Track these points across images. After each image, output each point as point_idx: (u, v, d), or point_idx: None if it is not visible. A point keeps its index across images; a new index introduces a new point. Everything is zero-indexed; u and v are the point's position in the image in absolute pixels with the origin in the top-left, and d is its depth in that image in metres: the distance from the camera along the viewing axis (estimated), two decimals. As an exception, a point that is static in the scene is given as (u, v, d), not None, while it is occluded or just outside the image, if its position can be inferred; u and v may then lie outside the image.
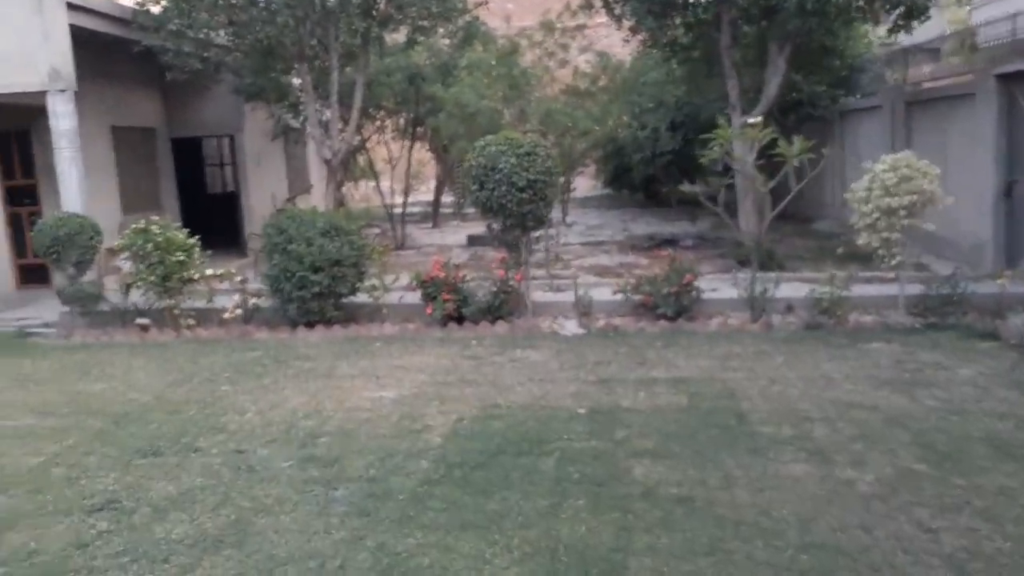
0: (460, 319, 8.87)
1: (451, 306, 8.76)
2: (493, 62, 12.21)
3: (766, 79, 11.86)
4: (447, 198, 24.35)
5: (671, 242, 15.25)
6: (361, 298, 9.33)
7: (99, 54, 12.81)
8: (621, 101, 13.74)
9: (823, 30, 11.82)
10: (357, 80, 12.21)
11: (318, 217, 9.20)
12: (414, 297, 9.32)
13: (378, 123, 17.95)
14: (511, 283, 8.93)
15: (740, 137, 8.33)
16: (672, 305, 8.70)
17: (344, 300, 9.17)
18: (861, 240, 8.86)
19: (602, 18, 12.22)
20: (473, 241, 16.32)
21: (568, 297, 9.70)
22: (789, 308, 9.24)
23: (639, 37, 12.36)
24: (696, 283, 8.85)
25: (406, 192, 16.85)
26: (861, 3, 10.76)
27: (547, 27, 13.44)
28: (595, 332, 8.47)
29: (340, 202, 12.15)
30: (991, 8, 16.34)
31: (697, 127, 19.48)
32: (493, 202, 8.57)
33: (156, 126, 15.26)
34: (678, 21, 12.04)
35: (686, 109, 18.42)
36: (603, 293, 9.40)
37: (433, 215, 20.75)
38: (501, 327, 8.68)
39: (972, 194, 10.60)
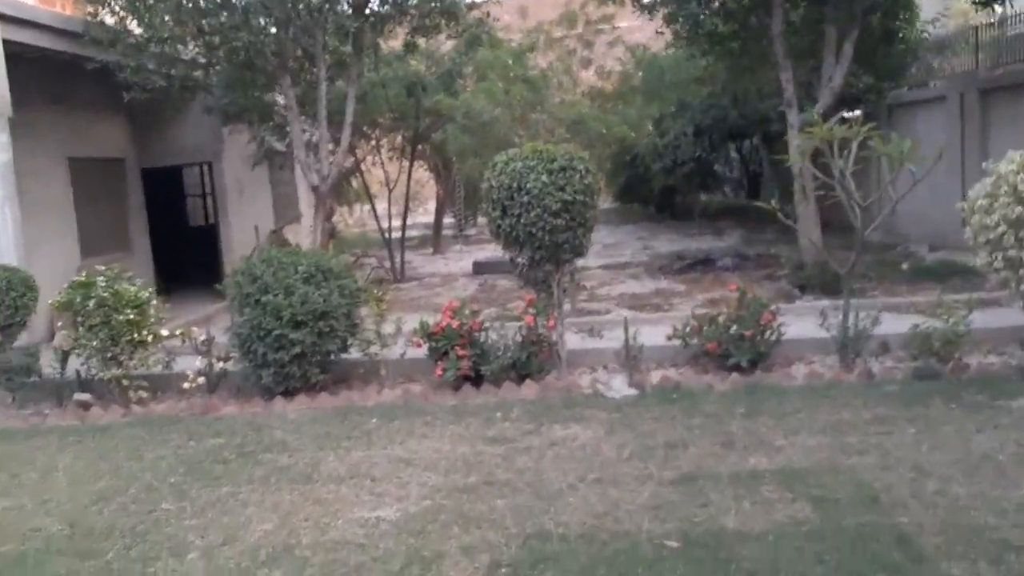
0: (478, 379, 7.08)
1: (466, 364, 6.97)
2: (509, 61, 10.43)
3: (823, 70, 10.11)
4: (448, 219, 22.71)
5: (706, 262, 13.47)
6: (354, 354, 7.57)
7: (53, 76, 11.15)
8: (658, 102, 11.84)
9: (889, 11, 10.12)
10: (348, 93, 10.47)
11: (301, 258, 7.42)
12: (419, 349, 7.54)
13: (373, 142, 16.26)
14: (541, 331, 7.14)
15: (823, 136, 6.53)
16: (747, 352, 6.89)
17: (333, 359, 7.40)
18: (980, 261, 7.04)
19: (629, 10, 10.44)
20: (480, 268, 14.55)
21: (608, 343, 7.92)
22: (884, 348, 7.44)
23: (674, 28, 10.61)
24: (775, 323, 7.04)
25: (404, 216, 15.11)
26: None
27: (570, 19, 11.64)
28: (651, 393, 6.65)
29: (331, 233, 10.43)
30: None
31: (724, 132, 17.86)
32: (520, 231, 6.80)
33: (124, 156, 13.56)
34: (717, 4, 10.29)
35: (712, 112, 16.71)
36: (648, 334, 7.60)
37: (434, 240, 19.01)
38: (530, 389, 6.87)
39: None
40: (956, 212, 12.29)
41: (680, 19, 10.31)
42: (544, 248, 6.93)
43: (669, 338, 7.28)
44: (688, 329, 7.22)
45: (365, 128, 14.89)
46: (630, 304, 10.47)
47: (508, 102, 9.31)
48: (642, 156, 18.43)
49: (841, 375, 6.79)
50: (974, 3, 9.35)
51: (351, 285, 7.49)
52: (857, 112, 6.50)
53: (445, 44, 14.10)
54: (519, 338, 7.18)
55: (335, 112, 11.41)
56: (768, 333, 7.00)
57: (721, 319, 7.13)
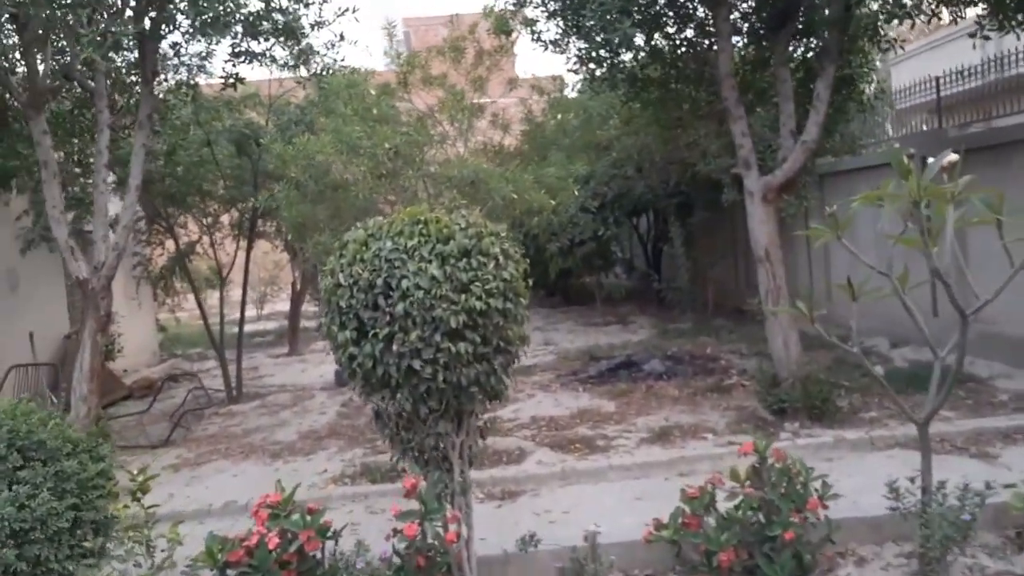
0: (318, 639, 3.86)
1: (294, 622, 3.75)
2: (373, 92, 7.42)
3: (782, 121, 7.78)
4: (312, 306, 19.29)
5: (629, 365, 10.78)
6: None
7: None
8: (587, 158, 9.00)
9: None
10: (136, 140, 7.17)
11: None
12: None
13: (208, 219, 12.85)
14: (433, 543, 4.03)
15: (927, 193, 3.90)
16: (786, 569, 4.02)
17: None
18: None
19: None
20: (344, 379, 11.30)
21: (544, 544, 4.84)
22: (965, 536, 4.73)
23: (589, 69, 8.04)
24: (825, 511, 4.24)
25: (242, 312, 11.72)
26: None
27: (455, 49, 8.73)
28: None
29: (106, 351, 6.97)
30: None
31: (629, 206, 15.54)
32: (390, 365, 3.76)
33: None
34: (642, 40, 7.82)
35: (616, 183, 14.36)
36: (592, 501, 4.78)
37: (290, 337, 15.57)
38: (416, 661, 3.71)
39: None
40: (920, 299, 10.31)
41: (597, 56, 7.77)
42: (435, 394, 3.90)
43: (649, 540, 4.31)
44: (679, 521, 4.29)
45: (192, 198, 11.56)
46: (551, 439, 7.52)
47: (371, 151, 6.34)
48: (534, 234, 15.86)
49: (941, 599, 4.03)
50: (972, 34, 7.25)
51: (91, 468, 4.15)
52: (954, 156, 3.94)
53: (297, 93, 11.13)
54: (395, 556, 4.03)
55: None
56: (815, 534, 4.18)
57: (737, 507, 4.26)
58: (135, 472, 4.39)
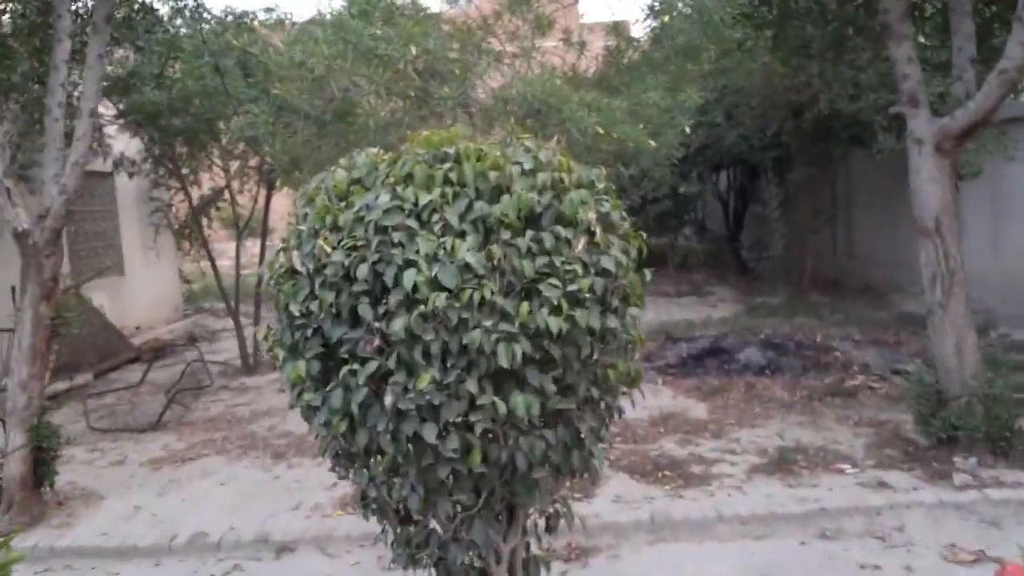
0: None
1: None
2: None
3: (956, 42, 5.64)
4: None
5: (717, 353, 8.83)
6: None
7: None
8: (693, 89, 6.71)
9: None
10: (90, 48, 5.37)
11: None
12: None
13: (235, 161, 11.27)
14: None
15: None
16: None
17: None
18: None
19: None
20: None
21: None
22: None
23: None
24: None
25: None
26: None
27: None
28: None
29: (57, 319, 5.31)
30: None
31: (716, 158, 13.44)
32: (379, 433, 1.98)
33: None
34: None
35: (702, 130, 12.24)
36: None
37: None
38: None
39: None
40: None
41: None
42: (467, 481, 2.10)
43: None
44: None
45: (204, 136, 9.91)
46: (628, 458, 5.69)
47: (389, 58, 4.39)
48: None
49: None
50: None
51: None
52: None
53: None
54: None
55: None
56: None
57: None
58: None
